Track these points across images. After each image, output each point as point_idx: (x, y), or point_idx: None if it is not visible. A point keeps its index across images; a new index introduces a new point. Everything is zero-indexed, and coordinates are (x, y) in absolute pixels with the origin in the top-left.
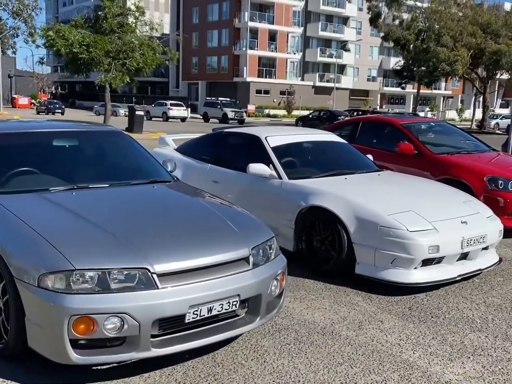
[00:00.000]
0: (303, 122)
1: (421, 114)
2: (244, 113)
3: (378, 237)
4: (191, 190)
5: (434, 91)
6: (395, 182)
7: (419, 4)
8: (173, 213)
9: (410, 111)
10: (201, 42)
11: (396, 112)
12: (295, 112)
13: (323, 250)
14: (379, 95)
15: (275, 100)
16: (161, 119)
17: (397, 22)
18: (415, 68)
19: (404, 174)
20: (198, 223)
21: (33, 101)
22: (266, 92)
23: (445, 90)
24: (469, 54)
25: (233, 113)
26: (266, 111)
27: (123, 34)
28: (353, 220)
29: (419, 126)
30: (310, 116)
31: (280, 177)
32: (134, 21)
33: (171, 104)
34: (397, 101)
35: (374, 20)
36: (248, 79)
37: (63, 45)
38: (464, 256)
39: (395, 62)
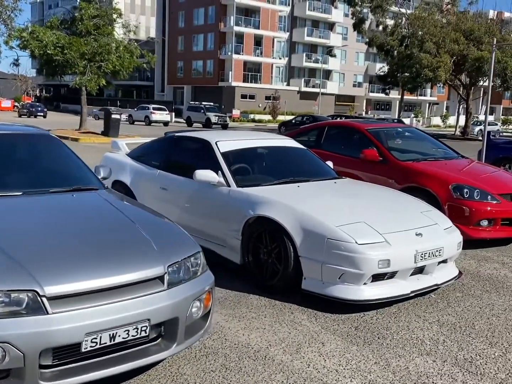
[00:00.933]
0: (286, 127)
1: (406, 120)
2: (228, 118)
3: (326, 250)
4: (116, 199)
5: (420, 97)
6: (350, 190)
7: (403, 10)
8: (83, 226)
9: (396, 117)
10: (187, 46)
11: (380, 117)
12: (280, 117)
13: (270, 264)
14: (365, 101)
15: (260, 105)
16: (144, 123)
17: (381, 28)
18: (398, 74)
19: (363, 182)
20: (108, 238)
21: (16, 104)
22: (252, 97)
23: (430, 96)
24: (452, 61)
25: (216, 117)
26: (251, 116)
27: (99, 36)
28: (300, 232)
29: (385, 131)
30: (293, 121)
31: (228, 185)
32: (111, 23)
33: (154, 108)
34: (383, 107)
35: (357, 26)
36: (233, 83)
37: (37, 47)
38: (419, 271)
39: (379, 68)
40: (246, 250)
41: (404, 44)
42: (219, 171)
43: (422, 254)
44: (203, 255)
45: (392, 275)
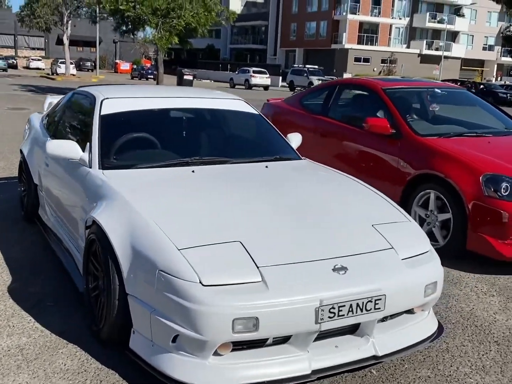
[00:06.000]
0: None
1: None
2: None
3: (156, 290)
4: None
5: None
6: (274, 182)
7: None
8: None
9: None
10: (301, 7)
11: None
12: None
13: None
14: (495, 66)
15: (375, 69)
16: (244, 87)
17: None
18: None
19: (318, 168)
20: None
21: (134, 66)
22: (366, 60)
23: None
24: None
25: (319, 81)
26: None
27: None
28: (131, 253)
29: (412, 92)
30: None
31: (90, 164)
32: None
33: (254, 71)
34: None
35: None
36: (347, 46)
37: (108, 2)
38: (352, 329)
39: (505, 27)
40: (86, 269)
41: None
42: (89, 142)
43: (333, 306)
44: None
45: (284, 339)
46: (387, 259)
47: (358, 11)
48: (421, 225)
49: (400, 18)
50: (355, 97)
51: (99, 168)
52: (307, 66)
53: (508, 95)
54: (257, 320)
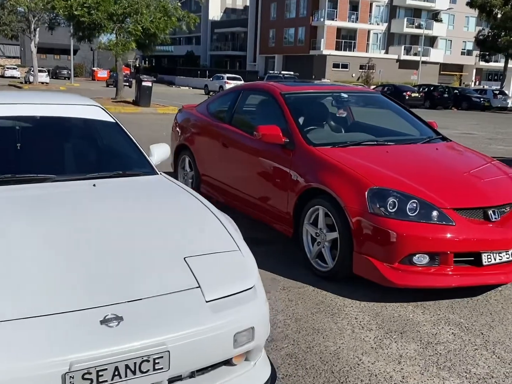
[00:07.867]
0: None
1: None
2: None
3: None
4: None
5: None
6: (80, 207)
7: None
8: None
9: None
10: (279, 13)
11: (489, 88)
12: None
13: None
14: (474, 71)
15: (353, 75)
16: None
17: None
18: (499, 39)
19: (174, 186)
20: None
21: (112, 74)
22: (344, 66)
23: None
24: None
25: None
26: None
27: None
28: None
29: (313, 98)
30: None
31: None
32: None
33: (228, 78)
34: (495, 77)
35: None
36: (325, 52)
37: (62, 7)
38: None
39: (478, 31)
40: None
41: (510, 4)
42: None
43: (89, 371)
44: None
45: None
46: (187, 302)
47: (336, 17)
48: (312, 244)
49: (378, 24)
50: (258, 103)
51: None
52: (283, 72)
53: (482, 99)
54: None
